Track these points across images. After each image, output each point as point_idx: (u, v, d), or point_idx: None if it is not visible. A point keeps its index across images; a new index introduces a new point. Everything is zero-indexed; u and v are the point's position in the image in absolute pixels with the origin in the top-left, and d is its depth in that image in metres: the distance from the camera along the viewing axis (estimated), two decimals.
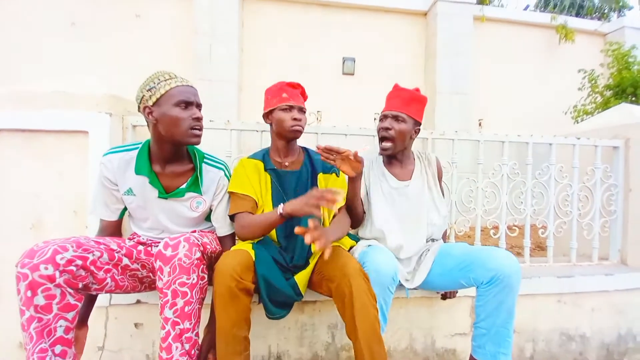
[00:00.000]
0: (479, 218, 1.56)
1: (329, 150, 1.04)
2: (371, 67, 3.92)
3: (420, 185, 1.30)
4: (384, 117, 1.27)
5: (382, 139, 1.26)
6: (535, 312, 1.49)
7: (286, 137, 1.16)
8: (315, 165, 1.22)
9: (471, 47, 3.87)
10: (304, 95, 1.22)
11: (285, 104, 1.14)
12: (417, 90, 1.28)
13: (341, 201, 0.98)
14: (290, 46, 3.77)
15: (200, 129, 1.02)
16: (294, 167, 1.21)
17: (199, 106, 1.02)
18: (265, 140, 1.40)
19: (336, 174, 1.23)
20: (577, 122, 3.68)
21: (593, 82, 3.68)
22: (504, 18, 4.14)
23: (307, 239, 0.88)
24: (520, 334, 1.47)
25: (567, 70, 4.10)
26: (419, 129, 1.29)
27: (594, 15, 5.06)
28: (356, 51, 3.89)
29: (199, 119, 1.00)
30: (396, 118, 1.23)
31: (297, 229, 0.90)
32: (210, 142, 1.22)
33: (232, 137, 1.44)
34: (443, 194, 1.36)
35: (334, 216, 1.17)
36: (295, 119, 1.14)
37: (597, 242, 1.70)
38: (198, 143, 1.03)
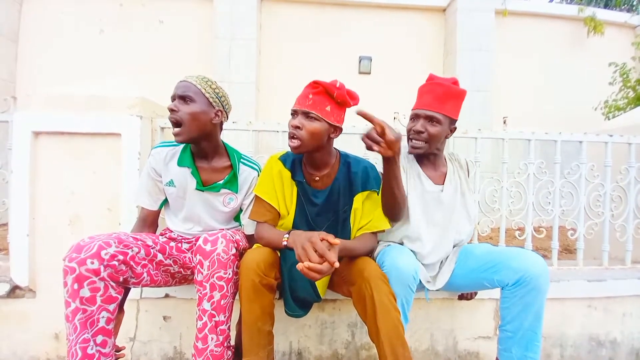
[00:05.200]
0: (503, 219, 1.53)
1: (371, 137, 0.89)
2: (388, 65, 3.86)
3: (452, 191, 1.19)
4: (415, 117, 1.13)
5: (412, 139, 1.14)
6: (563, 316, 1.44)
7: None
8: (351, 181, 1.06)
9: (493, 42, 3.74)
10: (328, 96, 0.97)
11: (292, 109, 1.00)
12: (455, 82, 1.12)
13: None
14: (306, 46, 3.78)
15: (173, 121, 0.98)
16: (323, 183, 1.07)
17: (180, 98, 0.99)
18: (284, 140, 1.41)
19: (377, 192, 1.07)
20: (609, 119, 3.50)
21: (625, 76, 3.48)
22: (527, 11, 3.97)
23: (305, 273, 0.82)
24: (547, 339, 1.43)
25: (596, 64, 3.89)
26: (455, 128, 1.17)
27: (623, 7, 4.78)
28: (373, 50, 3.84)
29: (170, 110, 0.98)
30: (430, 119, 1.09)
31: (298, 266, 0.84)
32: (230, 142, 1.22)
33: (253, 137, 1.48)
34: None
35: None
36: (291, 126, 0.98)
37: (631, 245, 1.62)
38: (175, 135, 1.00)
